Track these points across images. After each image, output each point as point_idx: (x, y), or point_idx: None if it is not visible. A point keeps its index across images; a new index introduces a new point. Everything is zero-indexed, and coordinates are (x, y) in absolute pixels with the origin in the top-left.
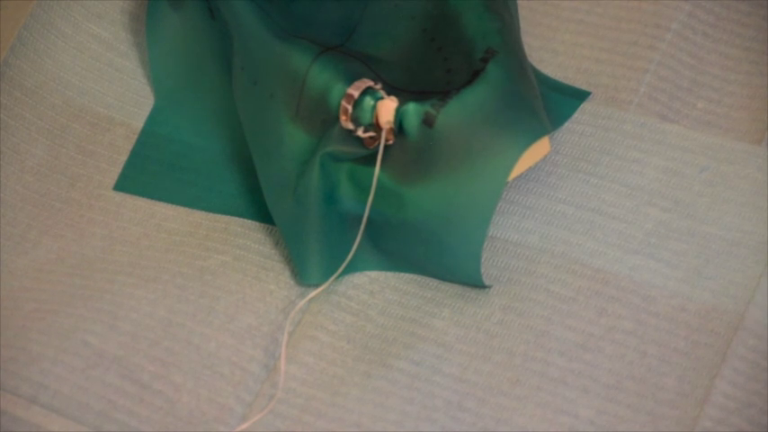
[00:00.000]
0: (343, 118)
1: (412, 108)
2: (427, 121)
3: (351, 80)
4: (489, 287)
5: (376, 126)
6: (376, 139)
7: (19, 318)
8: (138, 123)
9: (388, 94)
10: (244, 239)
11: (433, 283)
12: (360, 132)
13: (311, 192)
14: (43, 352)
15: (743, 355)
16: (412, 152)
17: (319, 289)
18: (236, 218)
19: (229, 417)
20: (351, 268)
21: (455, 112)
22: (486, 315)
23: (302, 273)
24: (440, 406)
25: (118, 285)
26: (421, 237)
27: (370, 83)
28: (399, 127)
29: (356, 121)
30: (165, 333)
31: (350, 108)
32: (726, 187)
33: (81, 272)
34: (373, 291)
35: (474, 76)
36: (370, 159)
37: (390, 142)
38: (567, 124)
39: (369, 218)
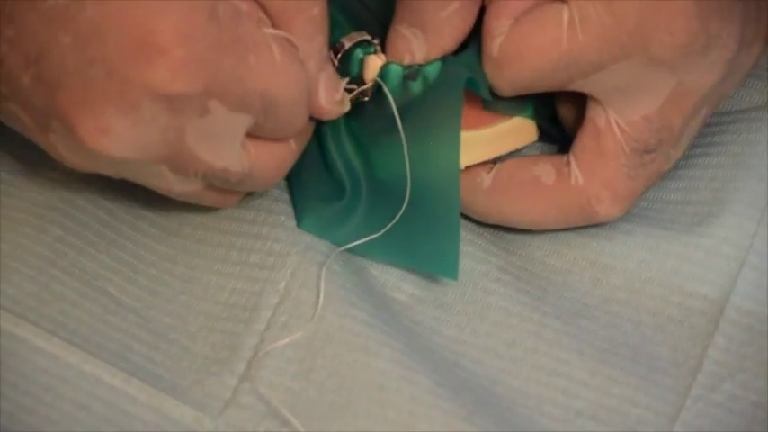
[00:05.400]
0: None
1: (394, 69)
2: (410, 76)
3: (353, 24)
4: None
5: (361, 81)
6: (355, 92)
7: (44, 245)
8: None
9: (383, 51)
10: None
11: None
12: (344, 84)
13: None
14: (64, 293)
15: (735, 320)
16: (386, 112)
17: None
18: None
19: (239, 358)
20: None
21: (436, 72)
22: (484, 272)
23: (298, 217)
24: (439, 365)
25: (140, 235)
26: (393, 201)
27: (368, 36)
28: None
29: (343, 71)
30: (183, 287)
31: (335, 59)
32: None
33: (106, 205)
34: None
35: (461, 48)
36: (356, 115)
37: (367, 99)
38: None
39: (361, 183)
